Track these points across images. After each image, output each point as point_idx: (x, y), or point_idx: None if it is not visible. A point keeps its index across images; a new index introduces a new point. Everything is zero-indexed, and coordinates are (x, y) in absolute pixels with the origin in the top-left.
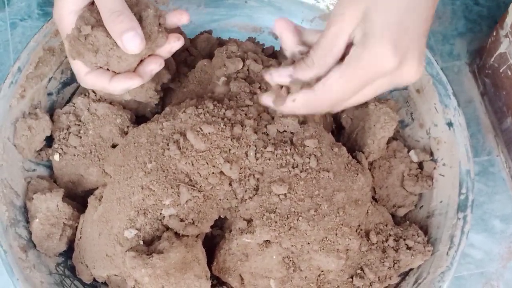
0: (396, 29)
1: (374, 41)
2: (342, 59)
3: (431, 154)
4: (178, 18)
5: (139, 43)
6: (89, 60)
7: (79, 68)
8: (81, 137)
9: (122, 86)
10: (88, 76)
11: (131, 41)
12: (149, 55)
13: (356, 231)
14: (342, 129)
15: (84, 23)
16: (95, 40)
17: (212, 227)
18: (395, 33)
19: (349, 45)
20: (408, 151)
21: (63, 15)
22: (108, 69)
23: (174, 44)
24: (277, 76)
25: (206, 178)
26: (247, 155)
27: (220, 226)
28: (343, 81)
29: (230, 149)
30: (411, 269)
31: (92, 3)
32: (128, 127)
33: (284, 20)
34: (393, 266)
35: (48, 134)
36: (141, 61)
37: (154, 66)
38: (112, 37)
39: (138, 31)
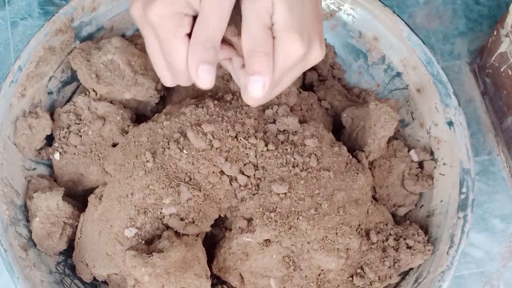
0: (298, 19)
1: (285, 36)
2: None
3: (432, 153)
4: None
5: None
6: None
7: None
8: (81, 136)
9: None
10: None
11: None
12: None
13: (357, 230)
14: (342, 128)
15: None
16: None
17: (212, 226)
18: (299, 24)
19: None
20: (409, 151)
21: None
22: None
23: None
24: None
25: (206, 177)
26: (247, 154)
27: (220, 225)
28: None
29: (230, 148)
30: (411, 269)
31: None
32: (128, 126)
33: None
34: (393, 265)
35: (49, 133)
36: None
37: None
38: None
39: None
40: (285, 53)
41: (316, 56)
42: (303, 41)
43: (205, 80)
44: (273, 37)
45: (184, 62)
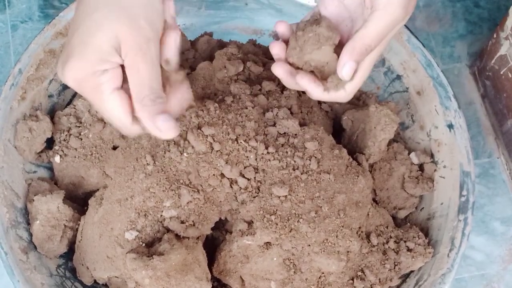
0: None
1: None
2: None
3: (432, 156)
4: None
5: (174, 126)
6: None
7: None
8: (81, 139)
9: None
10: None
11: (165, 122)
12: None
13: (357, 233)
14: (342, 131)
15: None
16: None
17: (212, 229)
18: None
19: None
20: (409, 153)
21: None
22: None
23: None
24: (313, 86)
25: (207, 180)
26: (247, 157)
27: (221, 228)
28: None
29: (231, 151)
30: (411, 271)
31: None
32: None
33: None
34: (394, 268)
35: (49, 136)
36: None
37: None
38: None
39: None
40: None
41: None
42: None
43: (169, 129)
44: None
45: (120, 118)
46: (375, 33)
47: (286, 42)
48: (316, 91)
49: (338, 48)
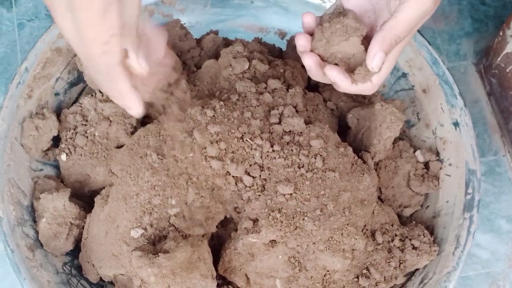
0: None
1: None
2: None
3: (437, 154)
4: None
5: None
6: None
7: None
8: (87, 137)
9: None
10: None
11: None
12: None
13: (362, 231)
14: (348, 129)
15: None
16: None
17: (218, 226)
18: None
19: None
20: (414, 151)
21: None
22: None
23: None
24: (342, 77)
25: (212, 178)
26: (253, 155)
27: (226, 226)
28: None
29: (236, 149)
30: (417, 269)
31: None
32: (134, 127)
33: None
34: (399, 266)
35: (55, 134)
36: None
37: None
38: None
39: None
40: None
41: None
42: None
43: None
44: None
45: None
46: (406, 23)
47: (311, 34)
48: (345, 83)
49: (364, 41)
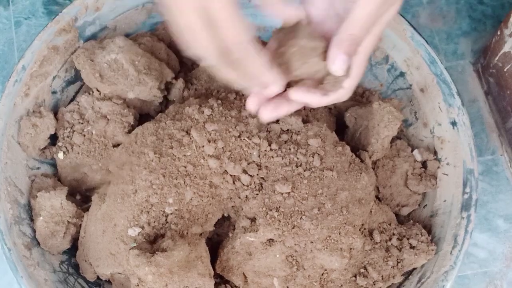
0: None
1: None
2: None
3: (435, 153)
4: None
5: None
6: None
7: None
8: (85, 135)
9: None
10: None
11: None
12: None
13: (360, 230)
14: (345, 128)
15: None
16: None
17: (215, 225)
18: None
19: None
20: (412, 150)
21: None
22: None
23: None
24: (310, 95)
25: (210, 177)
26: (250, 154)
27: (224, 225)
28: (365, 64)
29: (234, 148)
30: (414, 268)
31: None
32: (132, 125)
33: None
34: (397, 265)
35: (52, 132)
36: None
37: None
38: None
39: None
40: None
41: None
42: None
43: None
44: None
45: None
46: (360, 21)
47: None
48: (314, 99)
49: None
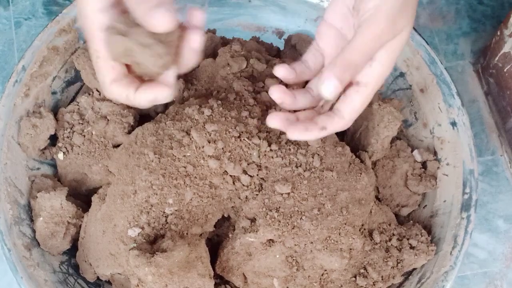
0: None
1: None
2: None
3: (435, 153)
4: (194, 16)
5: (166, 16)
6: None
7: (105, 77)
8: (85, 136)
9: (147, 98)
10: (114, 85)
11: (157, 16)
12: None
13: (360, 230)
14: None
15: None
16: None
17: (215, 226)
18: (393, 18)
19: None
20: (412, 151)
21: (87, 14)
22: (136, 78)
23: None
24: (307, 133)
25: (210, 177)
26: (250, 154)
27: (224, 225)
28: (368, 99)
29: (233, 148)
30: (414, 269)
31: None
32: (132, 126)
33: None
34: (397, 265)
35: (52, 133)
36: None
37: (192, 36)
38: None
39: (166, 6)
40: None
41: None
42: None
43: (163, 21)
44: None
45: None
46: (359, 47)
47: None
48: (314, 135)
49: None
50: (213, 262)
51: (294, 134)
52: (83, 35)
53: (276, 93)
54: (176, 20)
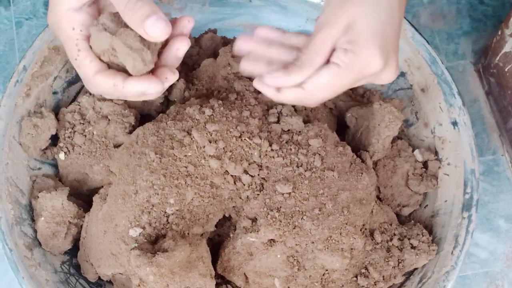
0: (380, 36)
1: (364, 47)
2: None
3: (436, 153)
4: (184, 24)
5: (164, 26)
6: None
7: (87, 69)
8: (86, 136)
9: (138, 88)
10: (98, 76)
11: (154, 25)
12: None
13: (361, 230)
14: (346, 128)
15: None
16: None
17: (216, 226)
18: (380, 40)
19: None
20: (413, 150)
21: (61, 14)
22: (122, 70)
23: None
24: (270, 80)
25: (211, 177)
26: (251, 154)
27: (225, 225)
28: (334, 82)
29: (234, 148)
30: (415, 269)
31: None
32: (133, 126)
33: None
34: (398, 265)
35: (53, 133)
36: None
37: (179, 45)
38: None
39: (160, 14)
40: (360, 64)
41: (389, 75)
42: (382, 56)
43: (158, 30)
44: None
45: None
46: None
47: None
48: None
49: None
50: (214, 262)
51: (249, 66)
52: (53, 33)
53: (242, 44)
54: (170, 30)
